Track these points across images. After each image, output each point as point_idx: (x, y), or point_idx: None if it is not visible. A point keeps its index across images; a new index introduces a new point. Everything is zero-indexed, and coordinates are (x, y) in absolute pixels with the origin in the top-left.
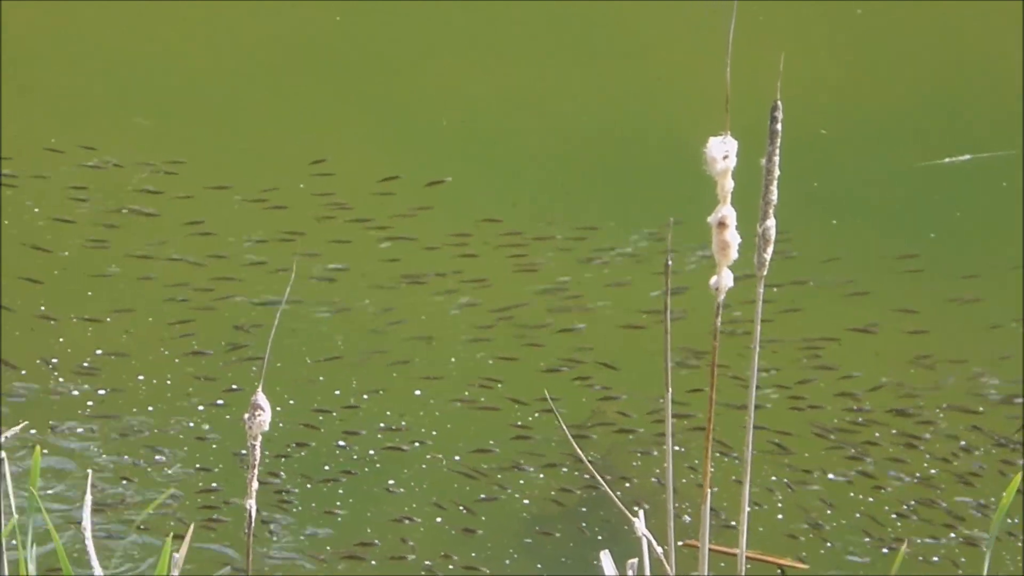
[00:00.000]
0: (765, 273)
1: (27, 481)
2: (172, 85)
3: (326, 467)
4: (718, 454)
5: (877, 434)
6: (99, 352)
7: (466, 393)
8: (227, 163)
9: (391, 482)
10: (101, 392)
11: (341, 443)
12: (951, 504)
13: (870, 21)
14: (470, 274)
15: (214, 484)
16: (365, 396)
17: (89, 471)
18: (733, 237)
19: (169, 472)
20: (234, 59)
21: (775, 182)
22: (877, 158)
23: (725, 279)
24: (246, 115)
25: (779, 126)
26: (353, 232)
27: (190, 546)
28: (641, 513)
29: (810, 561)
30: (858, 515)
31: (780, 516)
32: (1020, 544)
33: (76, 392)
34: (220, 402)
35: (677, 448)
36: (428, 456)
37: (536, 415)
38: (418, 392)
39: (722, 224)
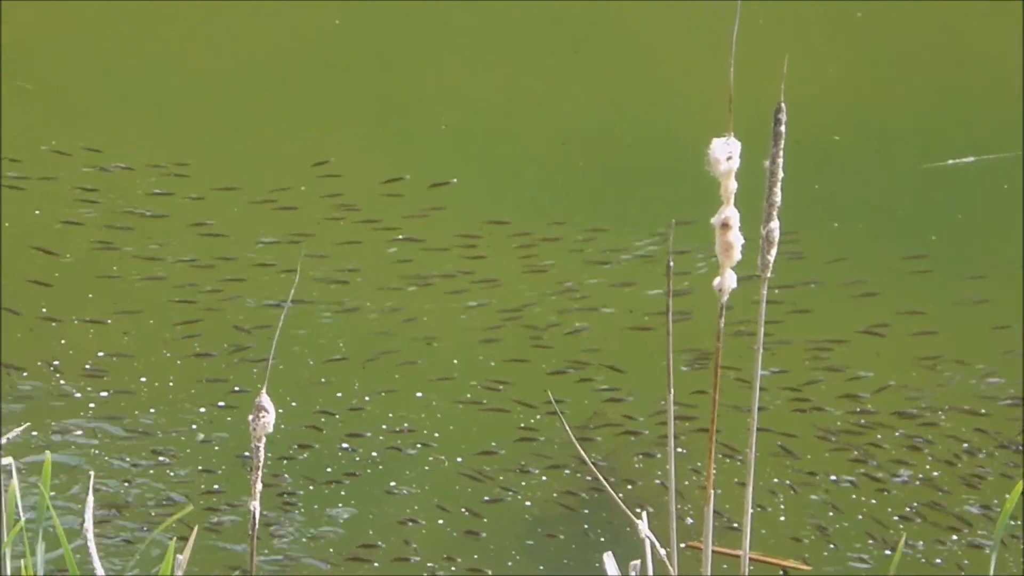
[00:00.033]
0: (769, 275)
1: (34, 483)
2: (172, 87)
3: (328, 468)
4: (720, 455)
5: (879, 436)
6: (101, 354)
7: (468, 395)
8: (229, 165)
9: (392, 483)
10: (104, 394)
11: (344, 445)
12: (953, 505)
13: (870, 22)
14: (480, 275)
15: (216, 486)
16: (379, 394)
17: (91, 472)
18: (736, 238)
19: (172, 475)
20: (233, 60)
21: (779, 184)
22: (878, 159)
23: (728, 280)
24: (246, 117)
25: (783, 128)
26: (362, 233)
27: (193, 548)
28: (644, 515)
29: (813, 563)
30: (860, 517)
31: (783, 518)
32: (1023, 546)
33: (79, 394)
34: (221, 404)
35: (681, 450)
36: (431, 458)
37: (538, 417)
38: (419, 394)
39: (725, 225)
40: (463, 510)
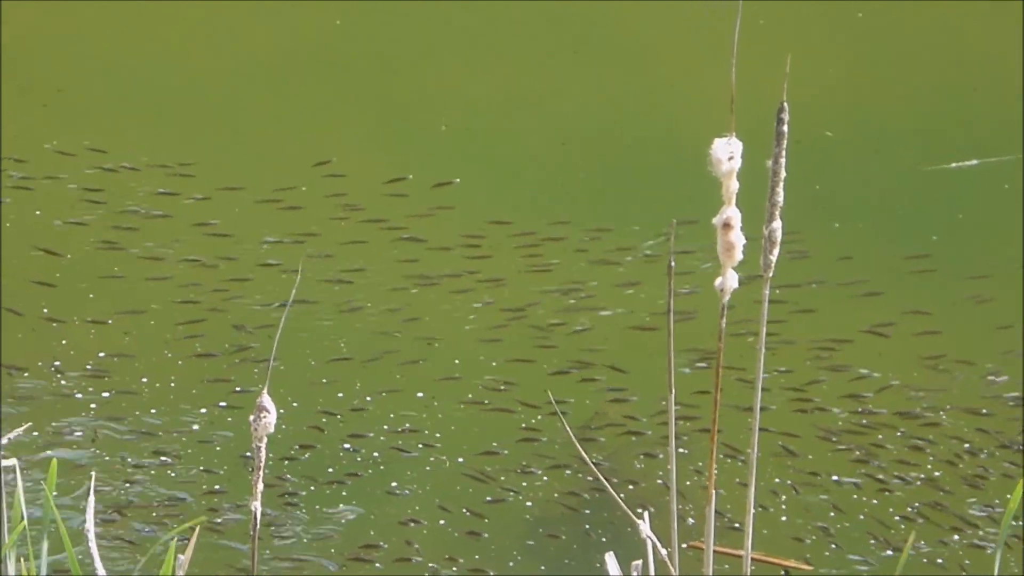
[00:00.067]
0: (771, 275)
1: (34, 482)
2: (175, 87)
3: (330, 469)
4: (722, 455)
5: (880, 436)
6: (102, 355)
7: (470, 395)
8: (233, 165)
9: (394, 484)
10: (106, 394)
11: (346, 445)
12: (955, 506)
13: (870, 22)
14: (485, 274)
15: (218, 486)
16: (381, 394)
17: (92, 473)
18: (738, 238)
19: (173, 475)
20: (235, 60)
21: (781, 184)
22: (878, 159)
23: (730, 280)
24: (248, 117)
25: (785, 128)
26: (367, 233)
27: (195, 548)
28: (646, 515)
29: (815, 563)
30: (862, 517)
31: (784, 518)
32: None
33: (80, 395)
34: (223, 404)
35: (682, 450)
36: (432, 458)
37: (540, 417)
38: (420, 394)
39: (727, 225)
40: (465, 510)
